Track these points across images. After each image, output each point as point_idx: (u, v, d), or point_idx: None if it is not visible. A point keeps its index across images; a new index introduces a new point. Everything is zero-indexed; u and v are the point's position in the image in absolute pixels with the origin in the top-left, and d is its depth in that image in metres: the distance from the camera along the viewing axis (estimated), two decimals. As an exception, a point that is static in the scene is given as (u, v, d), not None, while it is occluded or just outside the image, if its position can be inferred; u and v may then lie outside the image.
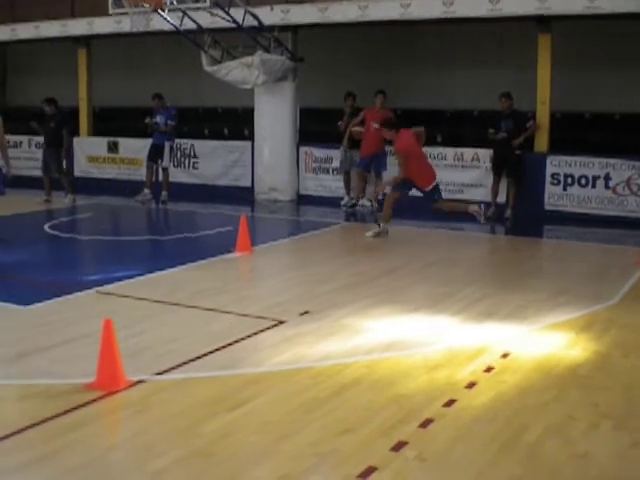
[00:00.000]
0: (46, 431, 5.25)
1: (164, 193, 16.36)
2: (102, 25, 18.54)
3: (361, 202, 15.58)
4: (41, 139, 18.06)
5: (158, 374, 6.25)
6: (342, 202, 15.69)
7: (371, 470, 4.63)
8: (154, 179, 16.74)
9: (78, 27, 19.09)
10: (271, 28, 16.08)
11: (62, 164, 16.59)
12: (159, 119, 16.43)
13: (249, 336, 7.25)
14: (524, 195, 14.42)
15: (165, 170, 16.54)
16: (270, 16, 15.96)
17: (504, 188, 14.49)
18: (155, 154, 16.51)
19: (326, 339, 7.17)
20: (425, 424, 5.31)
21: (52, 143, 16.42)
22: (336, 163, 16.11)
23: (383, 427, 5.26)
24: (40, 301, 8.49)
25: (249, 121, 17.26)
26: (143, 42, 19.39)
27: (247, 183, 17.19)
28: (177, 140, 17.30)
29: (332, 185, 16.25)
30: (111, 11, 17.05)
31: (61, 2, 19.45)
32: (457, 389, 5.98)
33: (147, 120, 16.51)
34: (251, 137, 17.33)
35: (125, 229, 14.56)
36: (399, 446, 4.95)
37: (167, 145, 16.44)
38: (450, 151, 15.33)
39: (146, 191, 16.61)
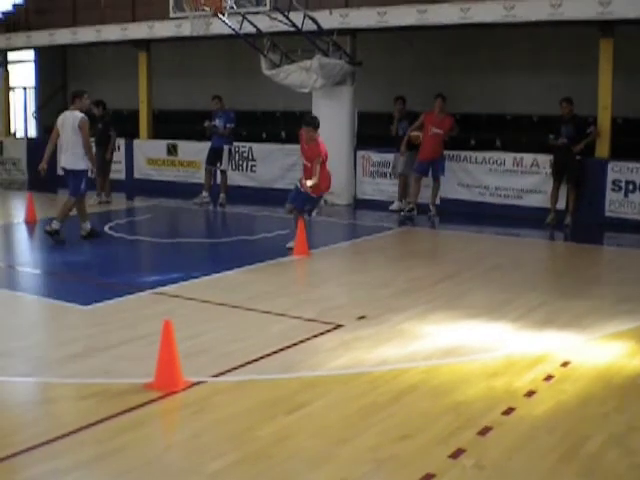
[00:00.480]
0: (104, 431, 5.31)
1: (222, 195, 16.43)
2: (162, 29, 18.73)
3: (398, 205, 15.65)
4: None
5: (216, 376, 6.28)
6: (390, 207, 15.69)
7: (429, 477, 4.61)
8: (212, 182, 16.83)
9: (139, 31, 19.31)
10: (330, 32, 16.07)
11: (107, 165, 16.75)
12: (218, 122, 16.48)
13: (307, 339, 7.25)
14: (584, 202, 14.23)
15: (224, 173, 16.63)
16: (329, 20, 15.97)
17: (564, 194, 14.29)
18: (214, 157, 16.57)
19: (384, 344, 7.14)
20: (484, 432, 5.26)
21: (99, 143, 16.60)
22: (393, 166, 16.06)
23: (441, 434, 5.23)
24: (100, 301, 8.60)
25: (307, 125, 17.25)
26: (202, 46, 19.54)
27: (305, 187, 17.19)
28: (235, 143, 17.38)
29: (390, 189, 16.18)
30: (172, 15, 17.20)
31: (122, 6, 19.73)
32: (516, 397, 5.92)
33: (206, 123, 16.57)
34: (309, 141, 17.31)
35: (183, 231, 14.67)
36: (457, 453, 4.92)
37: (226, 148, 16.50)
38: (509, 156, 15.18)
39: (204, 194, 16.69)
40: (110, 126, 16.68)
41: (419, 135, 15.07)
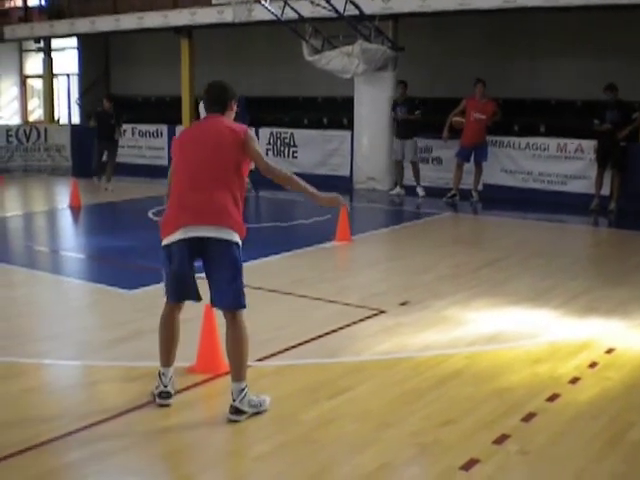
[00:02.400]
0: (150, 413, 5.37)
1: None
2: (204, 15, 18.81)
3: (396, 191, 15.73)
4: (143, 128, 18.44)
5: (259, 360, 6.31)
6: (392, 192, 15.86)
7: (473, 462, 4.60)
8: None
9: (181, 18, 19.42)
10: (372, 17, 16.03)
11: (116, 152, 17.12)
12: None
13: (349, 325, 7.27)
14: (629, 187, 14.07)
15: None
16: (371, 5, 15.93)
17: (608, 180, 14.15)
18: None
19: (427, 330, 7.14)
20: (528, 418, 5.24)
21: (108, 137, 16.91)
22: (436, 153, 16.01)
23: (485, 420, 5.22)
24: (144, 286, 8.67)
25: (348, 110, 17.27)
26: (244, 32, 19.58)
27: (346, 172, 17.22)
28: (277, 129, 17.42)
29: (432, 175, 16.14)
30: (214, 1, 17.26)
31: (164, -7, 19.86)
32: (560, 384, 5.89)
33: None
34: (350, 126, 17.34)
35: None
36: (501, 439, 4.91)
37: None
38: (553, 142, 15.06)
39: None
40: (120, 121, 17.00)
41: (462, 121, 14.99)
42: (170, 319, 5.51)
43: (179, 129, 19.33)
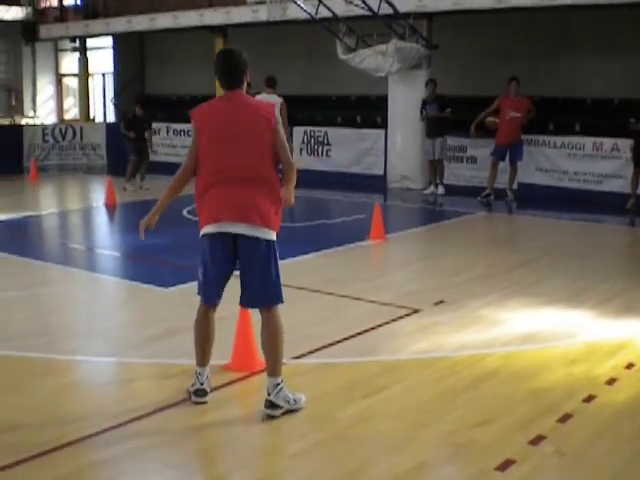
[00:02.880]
0: (186, 411, 5.40)
1: None
2: (239, 14, 18.89)
3: (430, 190, 15.66)
4: (177, 126, 18.53)
5: (295, 358, 6.32)
6: (426, 191, 15.77)
7: (509, 463, 4.58)
8: None
9: (216, 16, 19.51)
10: (406, 15, 15.98)
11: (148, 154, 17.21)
12: None
13: (385, 324, 7.26)
14: (666, 187, 13.92)
15: None
16: (405, 3, 15.88)
17: (645, 179, 14.01)
18: None
19: (462, 329, 7.11)
20: (564, 419, 5.20)
21: (142, 139, 17.01)
22: (470, 152, 15.95)
23: (521, 420, 5.19)
24: (179, 284, 8.71)
25: (382, 109, 17.24)
26: (279, 31, 19.61)
27: (379, 171, 17.19)
28: (310, 128, 17.44)
29: (466, 174, 16.09)
30: (249, 0, 17.31)
31: (199, -8, 19.95)
32: (597, 385, 5.84)
33: None
34: (384, 125, 17.31)
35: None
36: (537, 440, 4.88)
37: None
38: (588, 141, 14.94)
39: None
40: (150, 124, 17.16)
41: (496, 121, 14.90)
42: (205, 319, 5.53)
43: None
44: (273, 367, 5.22)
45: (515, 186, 15.13)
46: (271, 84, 14.35)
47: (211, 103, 5.44)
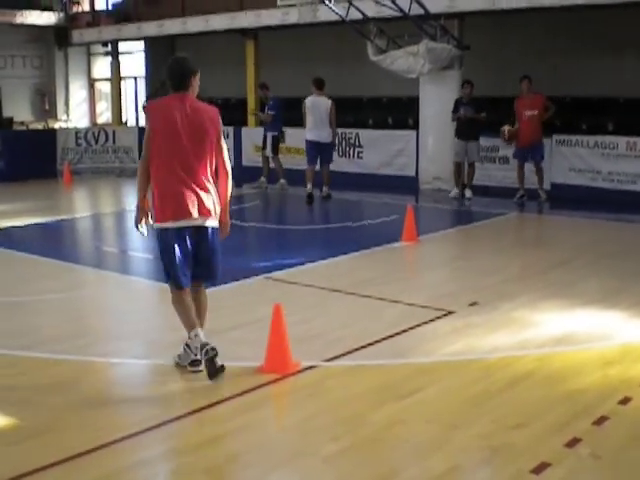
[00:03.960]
0: (220, 412, 5.44)
1: (281, 181, 17.01)
2: (270, 17, 18.93)
3: (462, 193, 15.46)
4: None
5: (328, 360, 6.33)
6: (450, 194, 15.60)
7: (544, 466, 4.55)
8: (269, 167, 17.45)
9: (246, 19, 19.57)
10: (437, 16, 15.93)
11: None
12: (265, 110, 17.32)
13: (418, 325, 7.24)
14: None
15: (272, 158, 17.24)
16: (436, 4, 15.82)
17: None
18: (263, 143, 17.31)
19: (496, 331, 7.07)
20: (599, 421, 5.16)
21: None
22: (503, 152, 15.85)
23: (556, 423, 5.16)
24: (213, 286, 8.71)
25: (413, 110, 17.20)
26: (309, 33, 19.63)
27: (411, 172, 17.14)
28: (342, 130, 17.44)
29: (498, 174, 15.98)
30: (279, 3, 17.35)
31: (230, -5, 20.01)
32: (632, 387, 5.78)
33: (254, 112, 17.65)
34: (415, 126, 17.27)
35: (291, 217, 14.79)
36: (573, 443, 4.84)
37: (269, 135, 17.12)
38: (622, 140, 14.79)
39: (262, 179, 17.31)
40: None
41: (513, 129, 14.66)
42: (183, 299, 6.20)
43: (245, 131, 19.46)
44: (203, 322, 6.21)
45: (547, 186, 14.98)
46: (320, 86, 15.02)
47: (164, 101, 6.07)
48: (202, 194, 5.95)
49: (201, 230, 6.03)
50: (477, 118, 15.16)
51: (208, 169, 6.01)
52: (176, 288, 6.14)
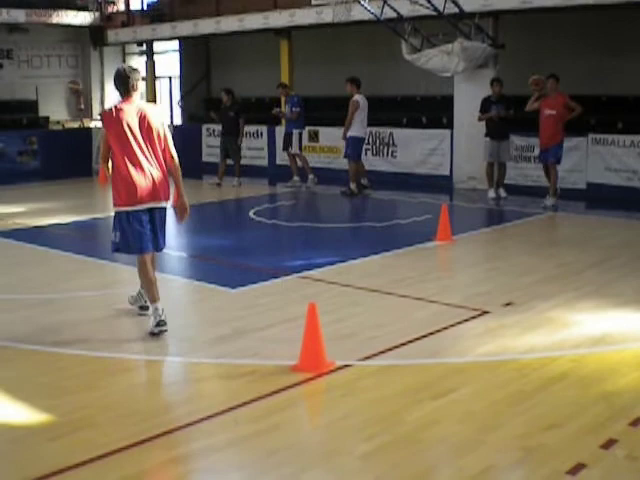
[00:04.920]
0: (255, 410, 5.45)
1: (310, 177, 17.14)
2: (304, 16, 18.94)
3: (497, 193, 15.26)
4: (218, 127, 18.78)
5: (362, 359, 6.33)
6: (488, 195, 15.35)
7: (579, 467, 4.52)
8: (296, 165, 17.52)
9: (280, 19, 19.59)
10: (472, 15, 15.87)
11: (239, 151, 17.61)
12: (286, 107, 17.32)
13: (452, 325, 7.22)
14: None
15: (297, 156, 17.32)
16: (471, 2, 15.76)
17: None
18: (287, 142, 17.37)
19: (531, 331, 7.03)
20: (636, 423, 5.12)
21: (230, 131, 17.47)
22: (537, 151, 15.71)
23: (592, 424, 5.12)
24: (246, 285, 8.79)
25: (448, 109, 17.15)
26: (342, 32, 19.63)
27: (445, 172, 17.09)
28: (375, 129, 17.43)
29: (534, 174, 15.85)
30: (313, 2, 17.37)
31: (264, -5, 20.05)
32: (670, 388, 5.74)
33: (274, 110, 17.52)
34: (450, 125, 17.21)
35: (325, 216, 14.79)
36: (608, 444, 4.81)
37: (295, 132, 17.17)
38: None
39: (295, 178, 17.34)
40: (239, 114, 17.34)
41: (537, 79, 14.39)
42: (148, 264, 7.39)
43: (279, 130, 19.49)
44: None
45: (582, 186, 14.80)
46: (357, 84, 15.51)
47: (115, 107, 7.04)
48: (160, 181, 7.11)
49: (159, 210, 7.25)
50: (509, 116, 14.99)
51: (160, 156, 7.12)
52: (140, 254, 7.39)
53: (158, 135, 7.06)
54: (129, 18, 24.38)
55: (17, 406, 5.57)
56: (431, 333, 6.99)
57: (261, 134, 20.21)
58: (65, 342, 6.89)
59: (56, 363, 6.50)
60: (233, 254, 10.81)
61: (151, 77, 24.31)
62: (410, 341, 6.78)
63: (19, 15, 22.66)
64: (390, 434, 5.00)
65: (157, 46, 24.49)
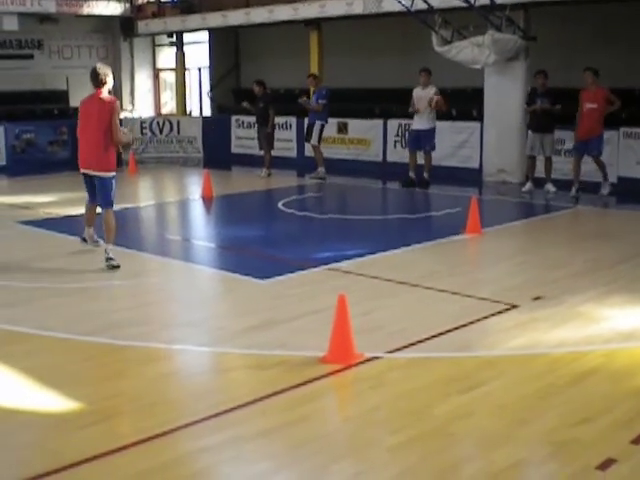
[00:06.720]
0: (284, 401, 5.46)
1: (319, 169, 17.10)
2: (334, 7, 18.88)
3: (528, 187, 15.09)
4: (248, 118, 18.82)
5: (391, 352, 6.32)
6: (523, 189, 15.21)
7: (610, 462, 4.50)
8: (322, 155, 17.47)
9: (310, 10, 19.54)
10: (503, 7, 15.73)
11: (269, 141, 17.61)
12: (313, 98, 17.23)
13: (482, 319, 7.18)
14: None
15: (315, 147, 17.25)
16: (502, -6, 15.63)
17: None
18: (308, 132, 17.38)
19: (561, 326, 6.98)
20: (667, 418, 5.08)
21: (259, 122, 17.63)
22: (569, 144, 15.59)
23: (623, 419, 5.09)
24: (276, 276, 8.79)
25: (478, 101, 17.04)
26: (373, 23, 19.55)
27: (475, 164, 17.00)
28: (405, 121, 17.37)
29: (564, 167, 15.68)
30: (343, -7, 17.31)
31: (293, -14, 20.00)
32: (703, 384, 5.69)
33: (300, 100, 17.44)
34: (480, 118, 17.10)
35: (354, 208, 14.76)
36: (639, 439, 4.76)
37: (318, 124, 17.10)
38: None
39: (319, 169, 17.25)
40: (269, 104, 17.43)
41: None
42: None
43: (307, 121, 19.47)
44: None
45: (613, 179, 14.63)
46: (429, 74, 15.82)
47: (87, 97, 9.49)
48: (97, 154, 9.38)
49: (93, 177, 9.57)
50: (554, 110, 14.79)
51: (103, 137, 9.28)
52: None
53: (105, 120, 9.21)
54: (159, 9, 24.44)
55: (48, 394, 5.61)
56: (461, 326, 6.96)
57: (290, 125, 20.19)
58: (95, 331, 6.93)
59: (86, 352, 6.55)
60: (262, 245, 10.82)
61: (181, 68, 24.36)
62: (439, 334, 6.75)
63: (50, 5, 22.75)
64: (419, 427, 4.99)
65: (187, 37, 24.52)
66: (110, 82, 9.44)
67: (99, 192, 9.64)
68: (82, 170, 9.61)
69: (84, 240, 10.14)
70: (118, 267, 9.19)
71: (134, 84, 26.33)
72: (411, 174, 15.88)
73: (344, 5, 18.40)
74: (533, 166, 15.14)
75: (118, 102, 9.56)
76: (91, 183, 9.69)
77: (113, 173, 9.65)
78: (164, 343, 6.68)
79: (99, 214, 9.94)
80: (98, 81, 9.30)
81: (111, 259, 9.26)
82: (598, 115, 14.11)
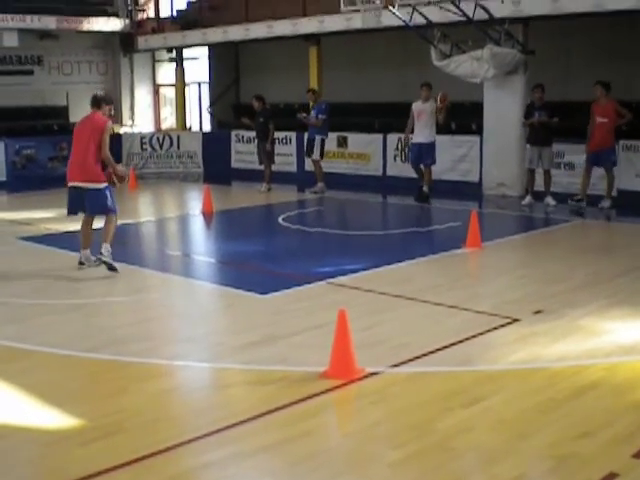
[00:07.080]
0: (285, 417, 5.46)
1: (319, 185, 17.14)
2: (333, 23, 18.95)
3: (527, 200, 15.10)
4: (247, 133, 18.85)
5: (393, 366, 6.32)
6: (523, 202, 15.22)
7: (612, 476, 4.50)
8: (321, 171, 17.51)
9: (309, 25, 19.62)
10: (502, 21, 15.79)
11: (269, 156, 17.65)
12: (312, 113, 17.23)
13: (483, 333, 7.18)
14: None
15: (316, 162, 17.28)
16: (501, 8, 15.67)
17: None
18: (309, 148, 17.39)
19: (562, 340, 6.98)
20: (669, 433, 5.08)
21: (259, 137, 17.69)
22: (568, 157, 15.63)
23: (624, 433, 5.09)
24: (276, 291, 8.80)
25: (477, 115, 17.08)
26: (372, 38, 19.61)
27: (475, 178, 17.01)
28: (404, 135, 17.39)
29: (564, 181, 15.72)
30: (342, 9, 17.35)
31: (293, 1, 20.07)
32: None
33: (299, 115, 17.44)
34: (479, 132, 17.13)
35: (354, 223, 14.78)
36: (641, 453, 4.77)
37: (318, 138, 17.15)
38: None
39: (319, 184, 17.29)
40: (269, 119, 17.45)
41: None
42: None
43: (307, 135, 19.50)
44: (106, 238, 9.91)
45: (614, 193, 14.69)
46: (430, 89, 15.80)
47: (83, 117, 10.18)
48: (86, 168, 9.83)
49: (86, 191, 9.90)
50: (551, 123, 14.85)
51: (92, 155, 9.80)
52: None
53: (95, 140, 9.79)
54: (159, 25, 24.52)
55: (49, 411, 5.61)
56: (461, 341, 6.96)
57: (290, 140, 20.22)
58: (96, 347, 6.93)
59: (87, 368, 6.55)
60: (263, 260, 10.83)
61: (181, 83, 24.43)
62: (440, 348, 6.76)
63: (50, 22, 22.83)
64: (420, 442, 4.98)
65: (186, 52, 24.60)
66: (107, 109, 10.08)
67: (96, 203, 9.97)
68: (71, 184, 9.94)
69: (81, 264, 10.13)
70: (115, 270, 9.67)
71: (134, 100, 26.39)
72: (425, 188, 15.72)
73: (343, 20, 18.46)
74: (532, 179, 15.18)
75: (110, 122, 10.03)
76: (78, 197, 9.95)
77: (105, 184, 9.96)
78: (165, 359, 6.69)
79: (95, 230, 10.23)
80: (95, 104, 10.03)
81: (102, 254, 9.71)
82: (609, 128, 14.30)
